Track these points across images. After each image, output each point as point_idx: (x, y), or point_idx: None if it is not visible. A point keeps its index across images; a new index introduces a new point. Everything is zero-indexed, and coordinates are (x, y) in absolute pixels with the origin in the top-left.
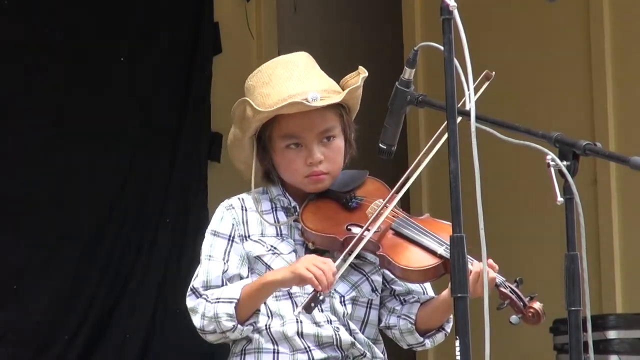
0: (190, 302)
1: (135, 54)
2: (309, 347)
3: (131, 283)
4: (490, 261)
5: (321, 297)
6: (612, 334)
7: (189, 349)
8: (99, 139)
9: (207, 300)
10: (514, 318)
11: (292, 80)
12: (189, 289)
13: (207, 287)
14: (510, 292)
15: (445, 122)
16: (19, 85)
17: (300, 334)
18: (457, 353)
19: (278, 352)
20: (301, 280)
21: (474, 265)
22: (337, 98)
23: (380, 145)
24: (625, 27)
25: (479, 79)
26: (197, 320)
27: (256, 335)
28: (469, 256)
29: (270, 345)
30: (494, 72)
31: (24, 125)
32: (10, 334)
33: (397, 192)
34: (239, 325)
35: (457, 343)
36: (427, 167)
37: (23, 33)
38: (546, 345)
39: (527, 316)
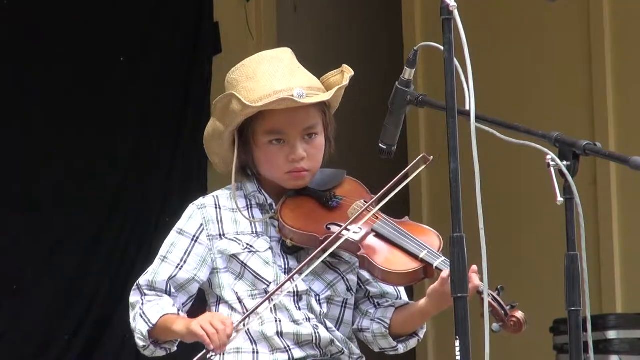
0: (132, 297)
1: (135, 54)
2: (288, 346)
3: (131, 283)
4: (474, 267)
5: (211, 357)
6: (612, 334)
7: (189, 349)
8: (99, 138)
9: (140, 306)
10: (495, 326)
11: (277, 76)
12: (135, 283)
13: (150, 287)
14: (492, 299)
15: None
16: (19, 85)
17: (280, 334)
18: (457, 353)
19: (257, 352)
20: (194, 337)
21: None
22: (325, 96)
23: (380, 145)
24: (625, 27)
25: (416, 160)
26: (131, 317)
27: (234, 335)
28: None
29: (249, 345)
30: (432, 157)
31: (24, 125)
32: (10, 334)
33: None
34: (151, 346)
35: (457, 343)
36: (427, 167)
37: (23, 33)
38: (546, 345)
39: (508, 325)
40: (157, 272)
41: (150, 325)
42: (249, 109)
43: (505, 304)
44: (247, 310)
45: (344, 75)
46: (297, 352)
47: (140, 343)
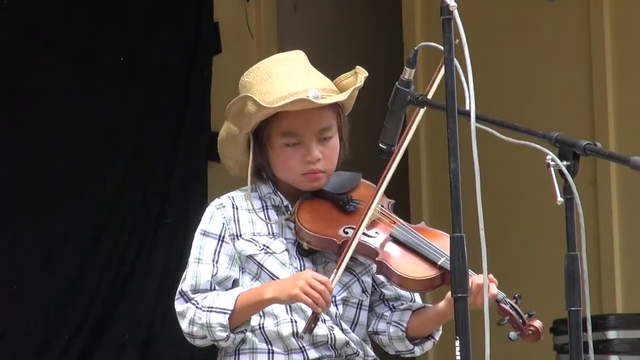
0: (179, 306)
1: (135, 54)
2: (303, 346)
3: (131, 283)
4: (491, 276)
5: (320, 317)
6: (612, 334)
7: (189, 349)
8: (99, 138)
9: (197, 307)
10: (512, 335)
11: (291, 77)
12: (177, 292)
13: (195, 291)
14: (510, 308)
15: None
16: (19, 85)
17: (296, 334)
18: (457, 353)
19: (273, 352)
20: (296, 302)
21: (474, 278)
22: (341, 96)
23: (380, 145)
24: (625, 27)
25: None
26: (185, 325)
27: (249, 335)
28: (469, 270)
29: (264, 345)
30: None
31: (24, 125)
32: (11, 334)
33: (382, 181)
34: (231, 334)
35: (457, 343)
36: (427, 167)
37: (23, 33)
38: (546, 345)
39: (527, 334)
40: (197, 274)
41: (229, 312)
42: (265, 110)
43: (523, 313)
44: (262, 310)
45: (358, 76)
46: (313, 353)
47: (221, 335)
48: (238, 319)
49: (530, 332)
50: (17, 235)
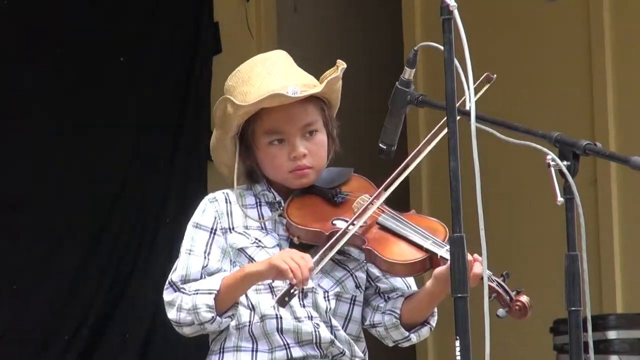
0: (168, 295)
1: (135, 54)
2: (288, 344)
3: (131, 283)
4: (476, 255)
5: (295, 292)
6: (612, 334)
7: (189, 349)
8: (99, 138)
9: (184, 293)
10: (500, 311)
11: (271, 76)
12: (167, 282)
13: (185, 281)
14: (497, 285)
15: (442, 120)
16: (19, 85)
17: (280, 330)
18: (457, 353)
19: (257, 351)
20: (278, 273)
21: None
22: (317, 89)
23: (380, 145)
24: (625, 27)
25: (480, 81)
26: (172, 314)
27: (234, 332)
28: None
29: (249, 344)
30: (495, 75)
31: (24, 125)
32: (10, 334)
33: (386, 189)
34: (217, 317)
35: (457, 343)
36: (427, 166)
37: (23, 33)
38: (546, 345)
39: (514, 309)
40: (188, 265)
41: (215, 292)
42: (242, 109)
43: (511, 290)
44: (252, 304)
45: (338, 69)
46: (297, 351)
47: (207, 316)
48: (224, 301)
49: (517, 307)
50: (17, 235)
